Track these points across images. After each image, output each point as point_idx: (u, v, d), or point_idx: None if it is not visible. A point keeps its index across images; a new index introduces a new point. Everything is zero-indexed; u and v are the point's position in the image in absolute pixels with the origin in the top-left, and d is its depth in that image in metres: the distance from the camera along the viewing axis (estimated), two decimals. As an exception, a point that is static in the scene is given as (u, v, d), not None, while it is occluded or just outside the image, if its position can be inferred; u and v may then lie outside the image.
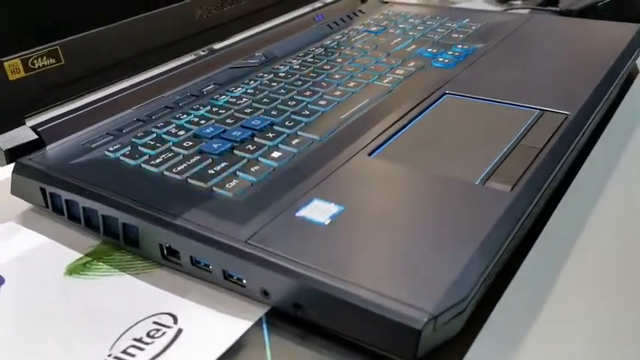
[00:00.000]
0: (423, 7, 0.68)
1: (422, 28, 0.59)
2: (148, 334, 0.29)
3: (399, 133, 0.39)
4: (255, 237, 0.30)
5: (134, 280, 0.34)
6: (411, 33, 0.58)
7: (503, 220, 0.29)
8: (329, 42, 0.57)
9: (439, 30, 0.58)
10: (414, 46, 0.54)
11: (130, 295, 0.32)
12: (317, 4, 0.67)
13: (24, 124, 0.41)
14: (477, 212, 0.30)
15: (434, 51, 0.52)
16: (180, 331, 0.29)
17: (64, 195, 0.37)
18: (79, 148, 0.40)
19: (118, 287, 0.33)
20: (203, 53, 0.55)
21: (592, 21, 0.56)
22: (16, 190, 0.40)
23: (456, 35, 0.56)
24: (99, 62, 0.45)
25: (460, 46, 0.53)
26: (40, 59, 0.41)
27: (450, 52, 0.52)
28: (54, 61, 0.42)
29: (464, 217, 0.30)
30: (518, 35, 0.54)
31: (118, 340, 0.29)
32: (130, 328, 0.30)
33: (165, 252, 0.33)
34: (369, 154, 0.37)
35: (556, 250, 0.32)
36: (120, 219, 0.34)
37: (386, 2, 0.70)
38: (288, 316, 0.29)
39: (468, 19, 0.60)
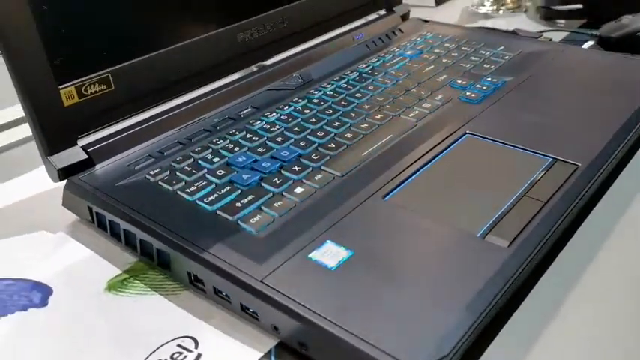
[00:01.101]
0: (462, 28, 0.70)
1: (456, 54, 0.61)
2: (171, 357, 0.33)
3: (415, 175, 0.42)
4: (270, 277, 0.33)
5: (164, 300, 0.38)
6: (444, 60, 0.60)
7: (495, 278, 0.32)
8: (364, 66, 0.60)
9: (472, 58, 0.60)
10: (445, 76, 0.56)
11: (159, 315, 0.37)
12: (357, 23, 0.69)
13: (76, 144, 0.45)
14: (473, 267, 0.33)
15: (463, 83, 0.55)
16: (199, 355, 0.33)
17: (107, 216, 0.41)
18: (124, 170, 0.45)
19: (149, 307, 0.37)
20: (255, 69, 0.58)
21: (625, 57, 0.57)
22: (66, 204, 0.45)
23: (488, 65, 0.58)
24: (146, 86, 0.49)
25: (490, 78, 0.55)
26: (92, 86, 0.45)
27: (478, 85, 0.54)
28: (105, 87, 0.46)
29: (459, 272, 0.33)
30: (548, 70, 0.56)
31: (145, 360, 0.33)
32: (156, 349, 0.34)
33: (192, 278, 0.37)
34: (384, 197, 0.40)
35: (548, 301, 0.35)
36: (154, 245, 0.38)
37: (426, 21, 0.72)
38: (294, 350, 0.33)
39: (502, 47, 0.62)
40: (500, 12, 0.86)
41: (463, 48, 0.62)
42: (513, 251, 0.34)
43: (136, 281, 0.40)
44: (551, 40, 0.72)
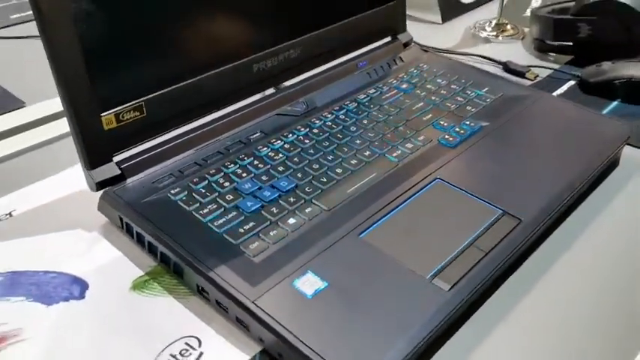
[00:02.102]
0: (456, 61, 0.78)
1: (445, 92, 0.69)
2: (180, 353, 0.43)
3: (388, 215, 0.51)
4: (261, 299, 0.43)
5: (176, 303, 0.48)
6: (433, 97, 0.68)
7: (434, 316, 0.42)
8: (362, 96, 0.68)
9: (458, 98, 0.68)
10: (430, 115, 0.65)
11: (172, 315, 0.46)
12: (362, 50, 0.77)
13: (111, 161, 0.55)
14: (418, 305, 0.42)
15: (445, 124, 0.63)
16: (201, 354, 0.43)
17: (135, 227, 0.51)
18: (150, 187, 0.54)
19: (164, 307, 0.47)
20: (272, 92, 0.67)
21: (595, 115, 0.65)
22: (101, 210, 0.55)
23: (470, 108, 0.66)
24: (171, 112, 0.58)
25: (469, 122, 0.63)
26: (128, 113, 0.54)
27: (457, 129, 0.62)
28: (138, 113, 0.55)
29: (407, 309, 0.42)
30: (522, 118, 0.64)
31: (159, 354, 0.43)
32: (169, 345, 0.44)
33: (199, 288, 0.47)
34: (359, 234, 0.49)
35: (478, 335, 0.44)
36: (171, 258, 0.48)
37: (426, 51, 0.80)
38: (274, 358, 0.42)
39: (487, 88, 0.70)
40: (500, 38, 0.94)
41: (452, 86, 0.71)
42: (452, 295, 0.43)
43: (155, 283, 0.49)
44: (537, 76, 0.80)
